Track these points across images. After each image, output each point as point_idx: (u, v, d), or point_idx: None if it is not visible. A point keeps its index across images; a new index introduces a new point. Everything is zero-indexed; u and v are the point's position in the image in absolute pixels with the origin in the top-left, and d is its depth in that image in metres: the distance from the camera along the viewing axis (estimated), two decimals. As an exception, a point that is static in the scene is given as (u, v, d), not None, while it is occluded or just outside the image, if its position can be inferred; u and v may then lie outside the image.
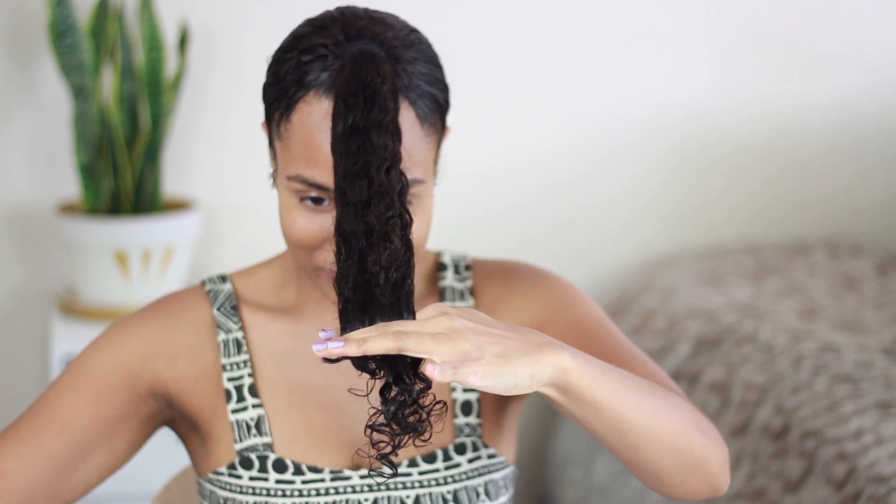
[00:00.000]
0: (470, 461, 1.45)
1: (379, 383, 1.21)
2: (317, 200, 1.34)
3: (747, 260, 2.83)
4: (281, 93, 1.34)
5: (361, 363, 1.20)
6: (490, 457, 1.46)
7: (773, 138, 2.94)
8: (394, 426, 1.20)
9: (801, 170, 2.96)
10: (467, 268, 1.52)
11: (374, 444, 1.21)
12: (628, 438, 1.28)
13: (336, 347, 1.18)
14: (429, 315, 1.20)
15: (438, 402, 1.21)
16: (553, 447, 2.78)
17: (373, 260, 1.20)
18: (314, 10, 1.41)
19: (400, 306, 1.19)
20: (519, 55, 2.81)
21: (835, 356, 2.26)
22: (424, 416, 1.20)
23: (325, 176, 1.31)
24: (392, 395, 1.20)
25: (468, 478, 1.45)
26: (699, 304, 2.59)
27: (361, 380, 1.22)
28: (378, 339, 1.17)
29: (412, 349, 1.17)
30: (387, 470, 1.24)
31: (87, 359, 1.44)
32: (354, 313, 1.19)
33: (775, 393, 2.24)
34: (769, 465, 2.15)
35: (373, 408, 1.21)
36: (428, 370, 1.16)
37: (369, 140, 1.23)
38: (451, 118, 1.41)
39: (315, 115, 1.32)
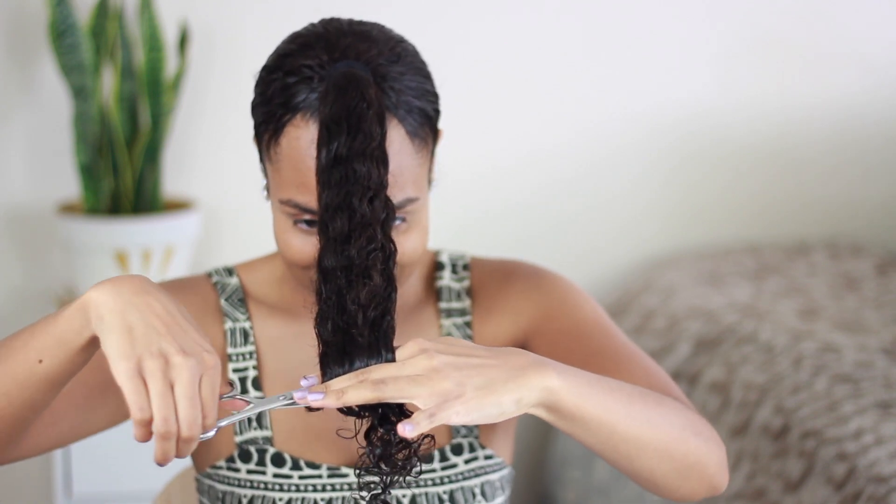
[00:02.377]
0: (466, 462, 1.45)
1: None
2: (311, 223, 1.33)
3: (747, 260, 2.83)
4: (269, 115, 1.33)
5: (347, 408, 1.20)
6: (487, 458, 1.46)
7: (773, 138, 2.94)
8: (382, 466, 1.20)
9: (801, 170, 2.96)
10: (465, 267, 1.52)
11: (362, 487, 1.21)
12: (621, 449, 1.27)
13: (316, 399, 1.18)
14: (407, 354, 1.19)
15: (427, 437, 1.20)
16: (553, 447, 2.78)
17: (351, 298, 1.19)
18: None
19: (379, 346, 1.19)
20: (519, 55, 2.81)
21: (835, 356, 2.26)
22: (412, 452, 1.20)
23: (316, 201, 1.30)
24: (378, 436, 1.20)
25: (464, 478, 1.44)
26: (699, 304, 2.59)
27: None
28: (357, 390, 1.17)
29: (391, 397, 1.17)
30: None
31: None
32: (334, 358, 1.19)
33: (775, 393, 2.24)
34: (769, 465, 2.15)
35: (361, 447, 1.21)
36: (399, 430, 1.16)
37: (353, 169, 1.22)
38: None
39: (303, 140, 1.30)
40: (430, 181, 1.38)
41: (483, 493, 1.45)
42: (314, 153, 1.28)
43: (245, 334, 1.46)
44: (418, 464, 1.21)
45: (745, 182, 2.94)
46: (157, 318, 1.17)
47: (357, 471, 1.21)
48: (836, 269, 2.79)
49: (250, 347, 1.46)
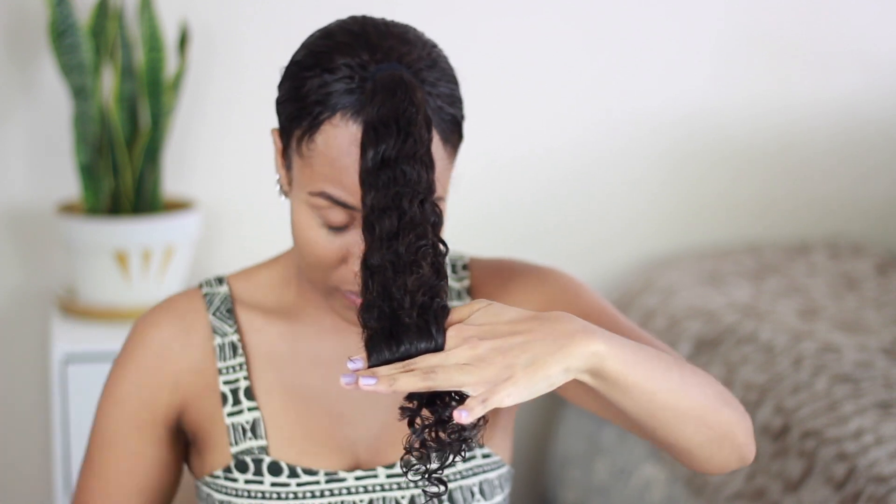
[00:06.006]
0: (464, 461, 1.45)
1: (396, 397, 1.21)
2: (336, 229, 1.31)
3: (747, 260, 2.83)
4: (303, 111, 1.31)
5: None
6: (485, 456, 1.46)
7: (773, 138, 2.94)
8: (431, 445, 1.19)
9: (801, 170, 2.96)
10: (464, 267, 1.52)
11: (404, 467, 1.21)
12: (659, 417, 1.27)
13: (368, 385, 1.17)
14: (451, 345, 1.19)
15: (482, 418, 1.19)
16: (553, 447, 2.78)
17: (398, 287, 1.18)
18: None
19: (429, 327, 1.18)
20: (519, 54, 2.81)
21: (835, 356, 2.26)
22: (463, 428, 1.20)
23: (351, 197, 1.29)
24: (422, 422, 1.20)
25: (462, 477, 1.44)
26: (699, 304, 2.59)
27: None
28: (407, 378, 1.16)
29: (441, 385, 1.17)
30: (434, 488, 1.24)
31: (107, 415, 1.47)
32: (381, 340, 1.18)
33: (775, 393, 2.24)
34: (769, 465, 2.15)
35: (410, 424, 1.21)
36: (455, 416, 1.16)
37: (402, 171, 1.20)
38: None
39: (342, 139, 1.29)
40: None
41: (481, 492, 1.45)
42: (353, 153, 1.27)
43: (234, 347, 1.46)
44: (472, 442, 1.21)
45: (745, 182, 2.94)
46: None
47: (405, 455, 1.20)
48: (836, 269, 2.79)
49: (239, 359, 1.46)
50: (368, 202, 1.21)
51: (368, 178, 1.21)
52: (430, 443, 1.19)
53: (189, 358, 1.46)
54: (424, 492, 1.25)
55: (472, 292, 1.50)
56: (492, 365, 1.17)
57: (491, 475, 1.46)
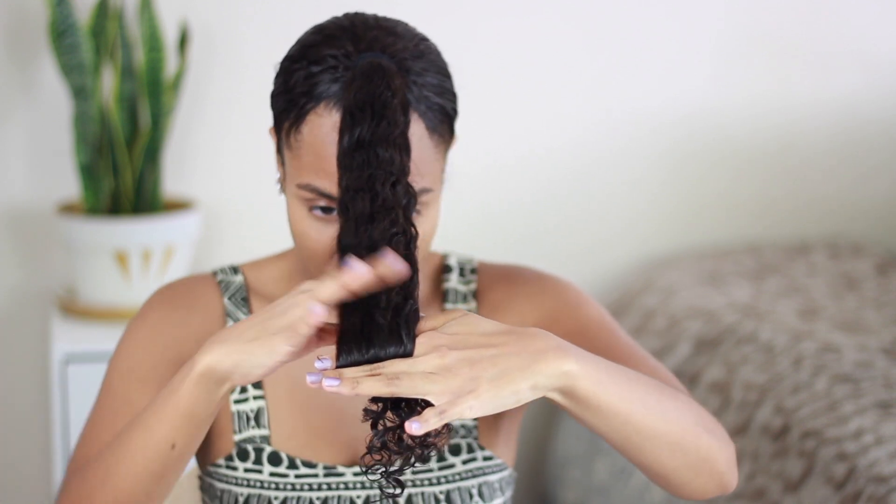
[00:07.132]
0: (464, 462, 1.45)
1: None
2: (326, 210, 1.33)
3: (747, 260, 2.83)
4: (290, 103, 1.33)
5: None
6: (486, 459, 1.46)
7: (773, 138, 2.94)
8: (392, 448, 1.19)
9: (801, 170, 2.96)
10: (472, 271, 1.52)
11: (366, 469, 1.21)
12: (634, 440, 1.27)
13: (331, 385, 1.18)
14: (420, 351, 1.19)
15: (445, 425, 1.19)
16: (553, 447, 2.78)
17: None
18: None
19: (400, 332, 1.18)
20: (519, 55, 2.81)
21: (835, 356, 2.26)
22: (428, 437, 1.20)
23: (335, 187, 1.30)
24: (384, 424, 1.20)
25: (461, 479, 1.44)
26: (699, 304, 2.59)
27: None
28: (371, 382, 1.17)
29: (405, 392, 1.17)
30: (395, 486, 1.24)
31: (121, 377, 1.45)
32: (353, 340, 1.19)
33: (775, 393, 2.24)
34: (769, 465, 2.15)
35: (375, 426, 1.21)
36: (407, 427, 1.16)
37: (375, 154, 1.22)
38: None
39: (325, 128, 1.31)
40: (442, 181, 1.38)
41: (480, 494, 1.45)
42: (335, 140, 1.28)
43: None
44: (433, 448, 1.20)
45: (745, 182, 2.94)
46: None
47: (367, 453, 1.21)
48: (836, 269, 2.79)
49: None
50: (343, 183, 1.22)
51: (344, 160, 1.23)
52: (392, 445, 1.19)
53: (203, 331, 1.46)
54: (381, 490, 1.25)
55: (478, 296, 1.51)
56: (457, 376, 1.17)
57: (492, 478, 1.46)
